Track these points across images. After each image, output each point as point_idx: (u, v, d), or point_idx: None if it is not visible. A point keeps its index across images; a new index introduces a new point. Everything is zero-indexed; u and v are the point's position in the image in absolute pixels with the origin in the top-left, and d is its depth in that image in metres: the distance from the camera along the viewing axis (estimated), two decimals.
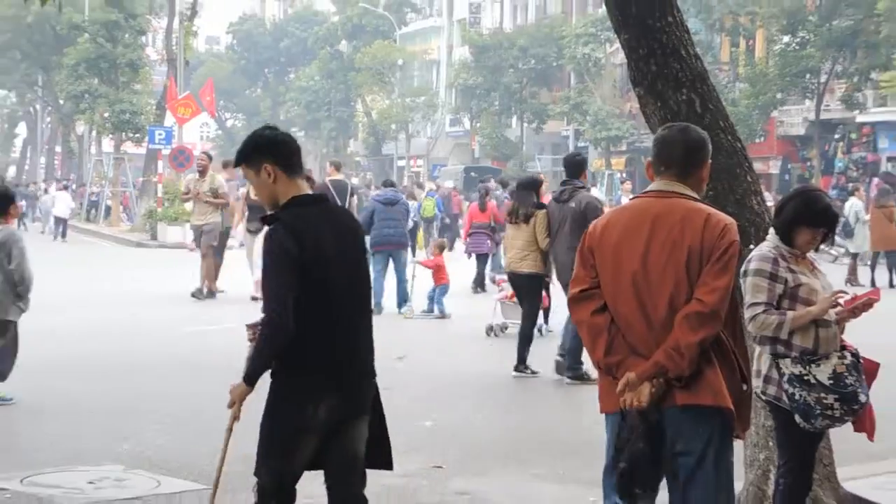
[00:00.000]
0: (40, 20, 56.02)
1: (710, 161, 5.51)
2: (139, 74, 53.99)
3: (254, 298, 19.28)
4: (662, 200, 5.33)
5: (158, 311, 19.87)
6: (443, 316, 20.16)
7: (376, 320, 5.97)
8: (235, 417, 5.81)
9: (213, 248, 22.32)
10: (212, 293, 22.19)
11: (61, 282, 22.12)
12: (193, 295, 22.02)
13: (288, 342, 5.60)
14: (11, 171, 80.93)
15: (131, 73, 53.24)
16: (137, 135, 50.14)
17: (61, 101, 61.88)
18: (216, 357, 13.47)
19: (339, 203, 24.36)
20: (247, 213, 21.49)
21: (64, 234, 44.49)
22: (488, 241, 21.80)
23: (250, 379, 5.64)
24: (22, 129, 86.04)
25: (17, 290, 11.95)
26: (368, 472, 5.87)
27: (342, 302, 5.71)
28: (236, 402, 5.76)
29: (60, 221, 45.10)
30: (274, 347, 5.63)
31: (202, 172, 23.81)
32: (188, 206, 25.41)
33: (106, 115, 52.83)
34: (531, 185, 15.05)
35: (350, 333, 5.76)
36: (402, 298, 20.41)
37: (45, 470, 8.83)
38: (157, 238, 39.92)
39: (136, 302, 21.03)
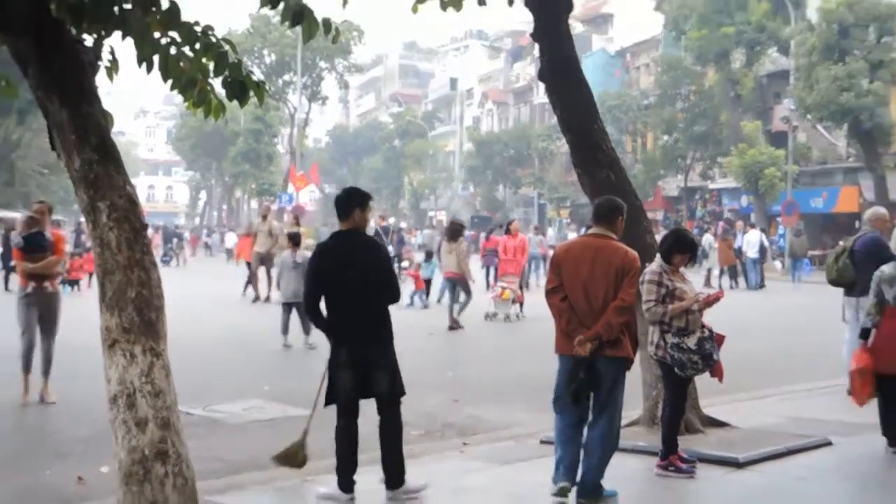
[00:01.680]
0: (214, 129, 56.28)
1: (622, 217, 5.95)
2: (273, 162, 54.63)
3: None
4: (599, 240, 5.83)
5: None
6: (425, 307, 19.29)
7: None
8: None
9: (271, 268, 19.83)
10: (268, 298, 19.74)
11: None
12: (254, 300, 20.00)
13: (311, 315, 6.04)
14: (196, 221, 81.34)
15: (268, 161, 53.97)
16: (272, 198, 50.40)
17: (226, 178, 62.33)
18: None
19: (384, 239, 24.21)
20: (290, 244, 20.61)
21: (230, 257, 44.26)
22: (495, 259, 21.31)
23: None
24: (203, 195, 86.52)
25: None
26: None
27: (349, 295, 5.78)
28: None
29: (231, 251, 44.92)
30: (309, 317, 6.11)
31: (264, 217, 21.60)
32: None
33: (253, 186, 53.80)
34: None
35: (355, 315, 5.79)
36: (421, 297, 19.83)
37: (215, 402, 8.85)
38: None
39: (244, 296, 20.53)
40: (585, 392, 5.63)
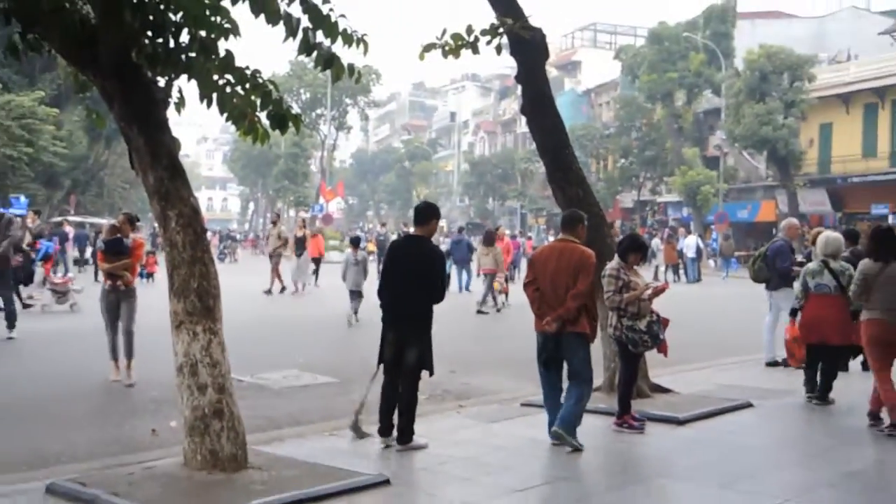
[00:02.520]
0: (260, 153, 56.02)
1: (582, 224, 6.05)
2: (307, 179, 54.31)
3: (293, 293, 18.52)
4: (563, 244, 5.95)
5: (330, 290, 19.66)
6: None
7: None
8: None
9: (279, 264, 19.25)
10: (282, 289, 19.00)
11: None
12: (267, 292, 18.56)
13: (380, 296, 5.91)
14: (246, 226, 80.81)
15: (304, 178, 53.69)
16: (306, 207, 50.19)
17: (270, 192, 61.94)
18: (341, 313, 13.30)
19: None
20: (295, 245, 19.74)
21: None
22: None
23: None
24: (251, 206, 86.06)
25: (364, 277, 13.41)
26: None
27: (399, 282, 5.79)
28: None
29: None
30: (380, 296, 5.93)
31: (274, 224, 20.60)
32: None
33: (291, 198, 53.28)
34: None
35: (400, 298, 5.79)
36: (466, 286, 19.71)
37: (260, 371, 8.81)
38: None
39: (331, 283, 20.41)
40: (553, 360, 5.82)
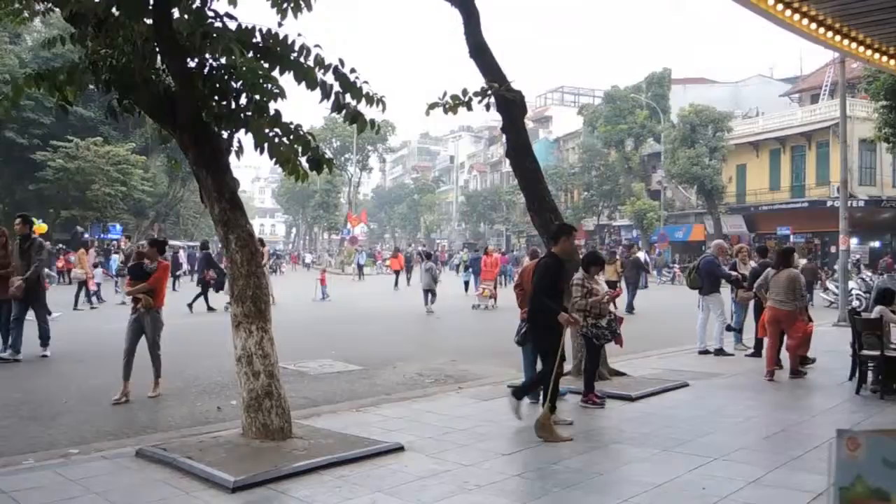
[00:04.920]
0: (301, 188, 55.98)
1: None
2: (338, 209, 54.16)
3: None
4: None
5: (350, 294, 19.51)
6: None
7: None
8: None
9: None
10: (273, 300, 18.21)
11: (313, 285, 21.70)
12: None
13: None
14: (290, 246, 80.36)
15: (334, 208, 53.49)
16: (337, 231, 50.09)
17: (308, 219, 61.83)
18: (356, 315, 13.25)
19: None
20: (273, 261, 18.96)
21: (308, 267, 43.82)
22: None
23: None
24: (294, 230, 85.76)
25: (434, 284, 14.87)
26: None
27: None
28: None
29: (309, 265, 44.58)
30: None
31: (261, 244, 19.41)
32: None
33: (325, 224, 52.94)
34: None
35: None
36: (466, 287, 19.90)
37: (301, 360, 8.75)
38: (344, 271, 39.59)
39: (348, 292, 20.47)
40: (527, 340, 6.05)
